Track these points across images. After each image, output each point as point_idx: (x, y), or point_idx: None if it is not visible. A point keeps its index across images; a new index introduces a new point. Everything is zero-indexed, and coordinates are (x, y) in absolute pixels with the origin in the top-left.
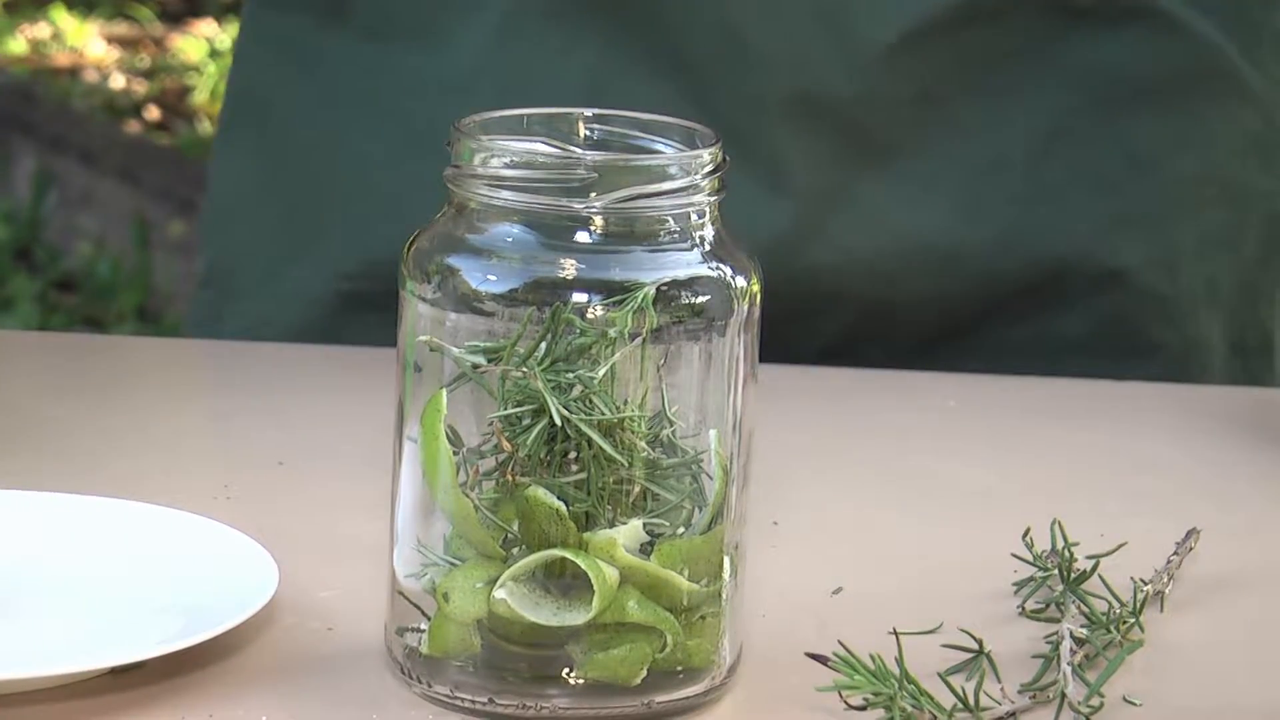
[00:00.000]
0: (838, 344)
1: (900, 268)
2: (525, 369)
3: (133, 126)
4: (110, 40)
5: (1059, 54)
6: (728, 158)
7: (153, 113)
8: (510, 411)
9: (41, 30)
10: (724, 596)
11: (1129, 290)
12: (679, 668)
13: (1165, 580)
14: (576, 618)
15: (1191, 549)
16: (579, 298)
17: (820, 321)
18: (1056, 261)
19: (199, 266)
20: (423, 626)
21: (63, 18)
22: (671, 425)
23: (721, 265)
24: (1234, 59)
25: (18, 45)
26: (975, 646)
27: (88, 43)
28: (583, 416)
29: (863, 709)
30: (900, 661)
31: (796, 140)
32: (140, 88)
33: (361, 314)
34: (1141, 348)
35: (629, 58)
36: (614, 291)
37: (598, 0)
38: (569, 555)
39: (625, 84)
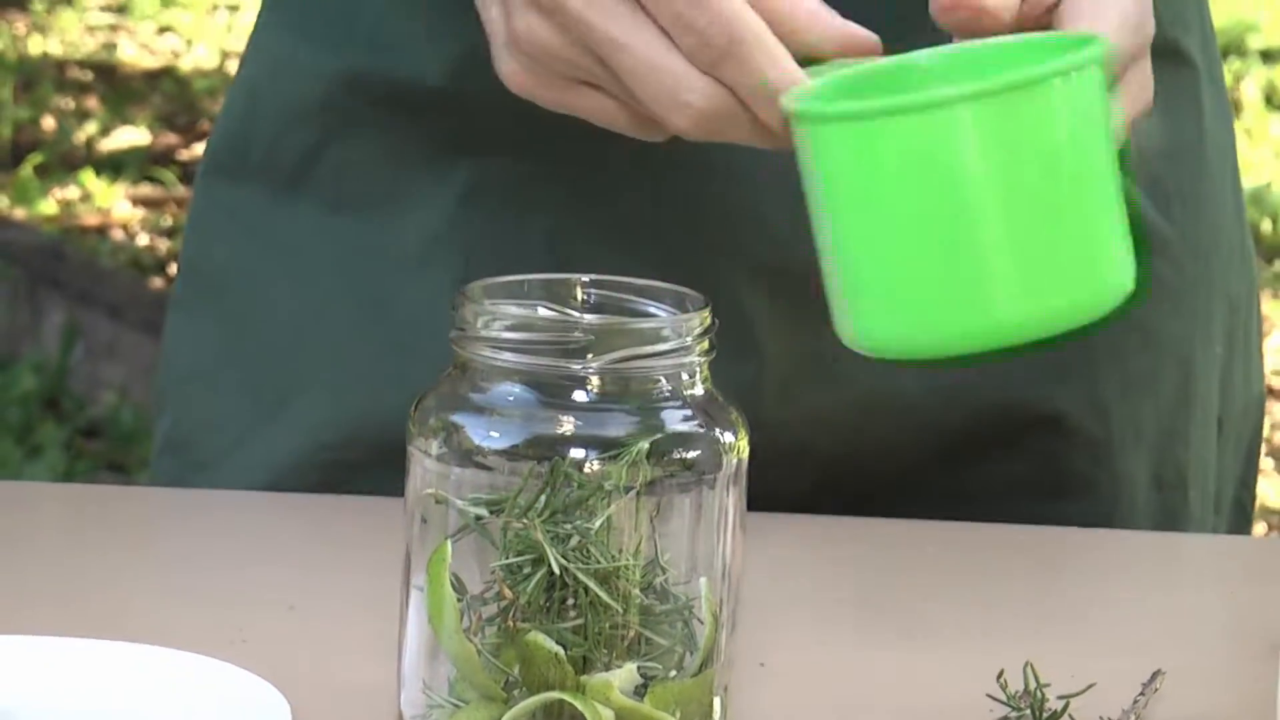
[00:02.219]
0: (802, 498)
1: (861, 422)
2: (526, 520)
3: (156, 283)
4: (136, 201)
5: None
6: (716, 320)
7: (175, 270)
8: (511, 560)
9: (71, 192)
10: None
11: (1065, 434)
12: None
13: None
14: None
15: (1157, 690)
16: (577, 453)
17: (787, 477)
18: (1000, 410)
19: (156, 433)
20: None
21: (91, 181)
22: (664, 573)
23: (711, 422)
24: (1150, 213)
25: (49, 206)
26: None
27: (115, 204)
28: (580, 565)
29: None
30: None
31: (762, 305)
32: (164, 246)
33: (338, 488)
34: (1076, 486)
35: (590, 224)
36: (609, 447)
37: (555, 172)
38: (567, 698)
39: (586, 249)
